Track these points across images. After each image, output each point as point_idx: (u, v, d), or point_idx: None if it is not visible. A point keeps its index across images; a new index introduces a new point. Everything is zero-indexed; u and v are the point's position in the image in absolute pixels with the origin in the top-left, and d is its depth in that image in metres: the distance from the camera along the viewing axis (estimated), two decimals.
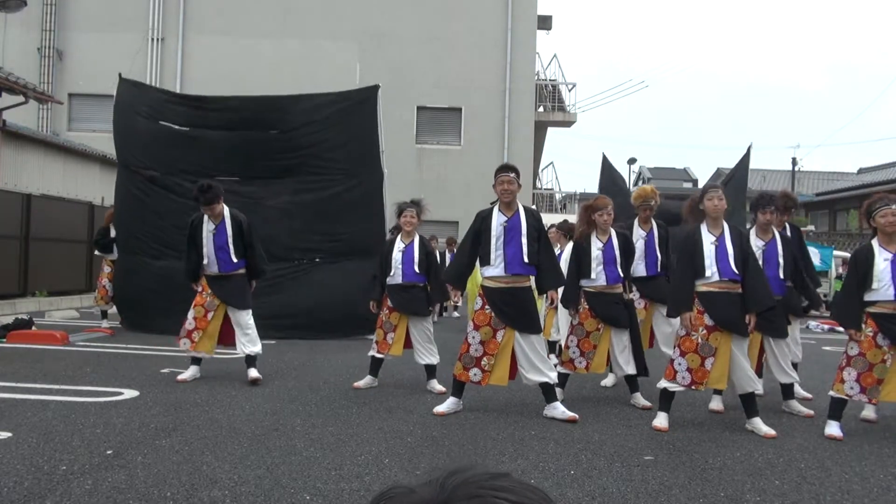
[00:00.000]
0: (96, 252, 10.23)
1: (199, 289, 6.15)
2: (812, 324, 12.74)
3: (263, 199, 9.39)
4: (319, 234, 9.48)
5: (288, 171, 9.60)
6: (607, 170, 11.51)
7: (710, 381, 4.76)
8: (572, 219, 8.72)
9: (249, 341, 6.12)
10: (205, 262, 6.06)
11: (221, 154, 9.46)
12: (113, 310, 9.95)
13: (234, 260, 6.06)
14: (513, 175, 5.12)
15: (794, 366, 6.25)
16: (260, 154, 9.52)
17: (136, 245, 9.53)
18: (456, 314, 13.59)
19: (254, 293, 6.39)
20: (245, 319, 6.13)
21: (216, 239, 6.03)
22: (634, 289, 6.40)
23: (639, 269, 6.49)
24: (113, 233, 9.84)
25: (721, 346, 4.76)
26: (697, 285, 4.87)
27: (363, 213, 9.40)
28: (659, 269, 6.39)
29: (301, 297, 9.10)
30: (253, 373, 6.02)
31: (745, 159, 10.68)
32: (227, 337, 6.21)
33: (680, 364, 4.82)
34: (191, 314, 6.09)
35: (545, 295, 5.75)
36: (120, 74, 10.52)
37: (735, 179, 9.90)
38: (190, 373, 6.08)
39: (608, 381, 6.47)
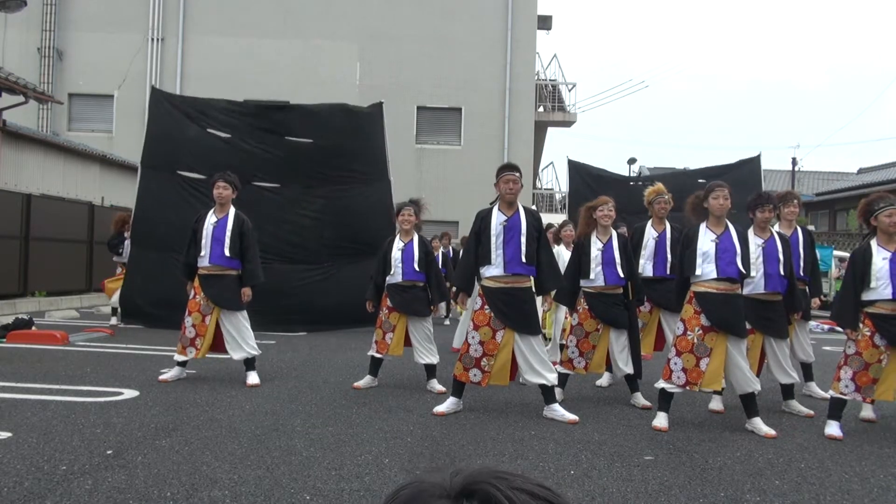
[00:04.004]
0: (115, 258, 10.45)
1: (192, 294, 6.11)
2: (812, 324, 12.72)
3: (298, 206, 10.44)
4: (345, 239, 10.51)
5: (319, 180, 10.57)
6: (576, 173, 11.63)
7: (704, 381, 4.75)
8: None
9: (244, 344, 6.05)
10: (201, 253, 6.04)
11: (262, 161, 10.37)
12: (107, 309, 10.11)
13: (227, 255, 6.01)
14: (518, 175, 5.14)
15: (809, 366, 6.26)
16: (297, 162, 10.49)
17: (169, 243, 9.84)
18: (447, 322, 11.91)
19: (252, 301, 6.26)
20: (239, 321, 6.08)
21: (215, 231, 6.03)
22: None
23: (647, 269, 6.47)
24: (125, 234, 10.09)
25: (716, 346, 4.75)
26: (694, 285, 4.87)
27: (377, 218, 10.38)
28: (668, 272, 6.34)
29: (331, 294, 10.12)
30: (252, 378, 5.97)
31: (755, 165, 10.70)
32: (217, 345, 6.16)
33: (675, 364, 4.82)
34: (188, 321, 6.04)
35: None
36: (153, 86, 11.41)
37: (742, 182, 9.84)
38: (174, 373, 6.04)
39: (603, 381, 6.48)
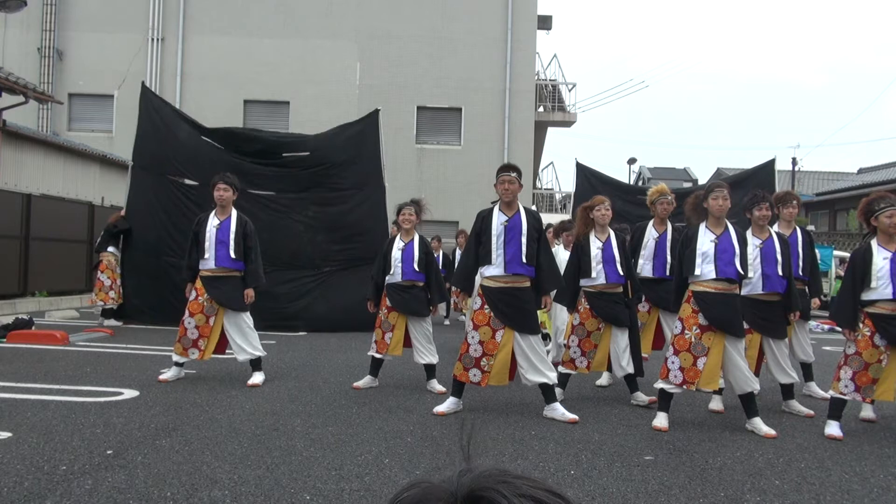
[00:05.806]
0: (108, 248, 10.23)
1: (193, 295, 6.09)
2: (812, 324, 12.72)
3: (293, 212, 10.54)
4: (338, 245, 10.62)
5: (313, 186, 10.69)
6: (583, 176, 11.63)
7: (701, 380, 4.75)
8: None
9: (247, 346, 6.05)
10: (205, 256, 6.04)
11: (256, 171, 10.50)
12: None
13: (232, 256, 6.01)
14: (514, 175, 5.13)
15: (809, 366, 6.25)
16: (291, 170, 10.64)
17: (164, 247, 10.07)
18: (447, 322, 12.17)
19: (253, 303, 6.26)
20: (244, 321, 6.08)
21: (219, 233, 6.04)
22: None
23: (646, 269, 6.47)
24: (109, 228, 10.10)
25: (714, 345, 4.75)
26: (693, 284, 4.87)
27: (371, 224, 10.51)
28: (668, 272, 6.33)
29: (324, 300, 10.31)
30: (257, 378, 5.97)
31: (769, 168, 10.68)
32: (220, 346, 6.17)
33: (673, 363, 4.83)
34: (191, 323, 6.03)
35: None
36: (143, 83, 11.27)
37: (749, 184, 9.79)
38: (173, 373, 6.04)
39: (603, 380, 6.48)
